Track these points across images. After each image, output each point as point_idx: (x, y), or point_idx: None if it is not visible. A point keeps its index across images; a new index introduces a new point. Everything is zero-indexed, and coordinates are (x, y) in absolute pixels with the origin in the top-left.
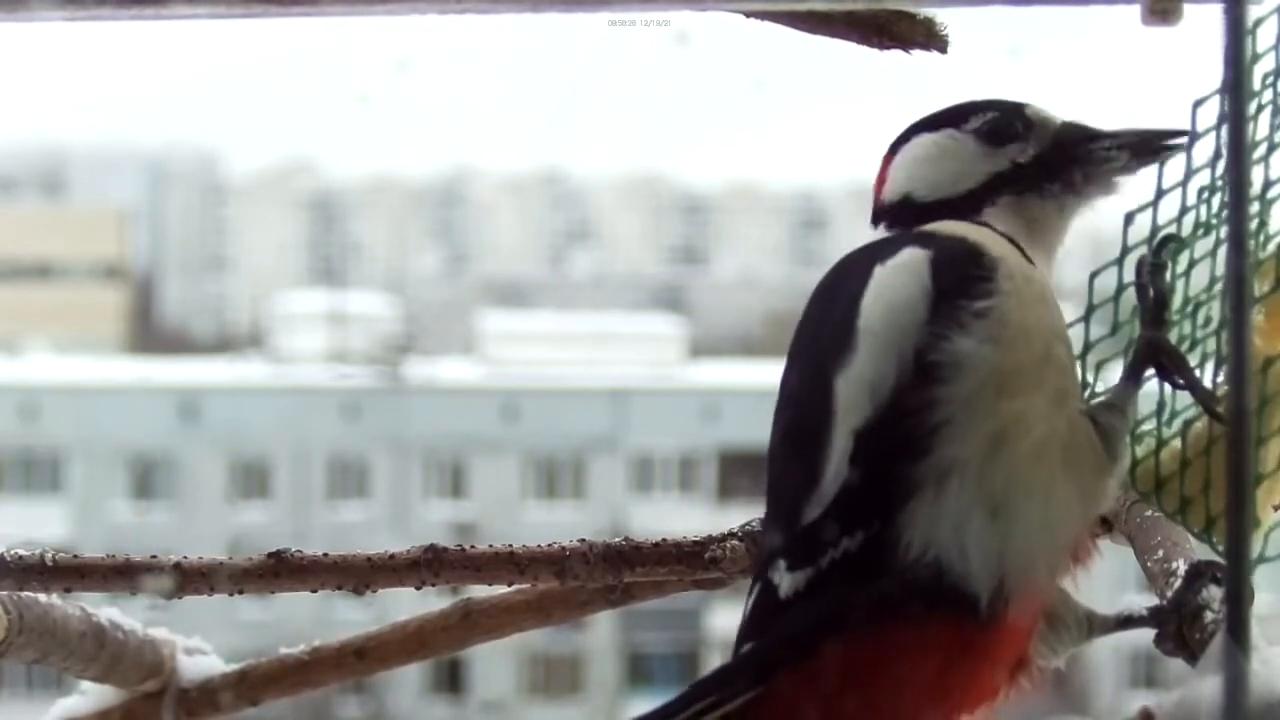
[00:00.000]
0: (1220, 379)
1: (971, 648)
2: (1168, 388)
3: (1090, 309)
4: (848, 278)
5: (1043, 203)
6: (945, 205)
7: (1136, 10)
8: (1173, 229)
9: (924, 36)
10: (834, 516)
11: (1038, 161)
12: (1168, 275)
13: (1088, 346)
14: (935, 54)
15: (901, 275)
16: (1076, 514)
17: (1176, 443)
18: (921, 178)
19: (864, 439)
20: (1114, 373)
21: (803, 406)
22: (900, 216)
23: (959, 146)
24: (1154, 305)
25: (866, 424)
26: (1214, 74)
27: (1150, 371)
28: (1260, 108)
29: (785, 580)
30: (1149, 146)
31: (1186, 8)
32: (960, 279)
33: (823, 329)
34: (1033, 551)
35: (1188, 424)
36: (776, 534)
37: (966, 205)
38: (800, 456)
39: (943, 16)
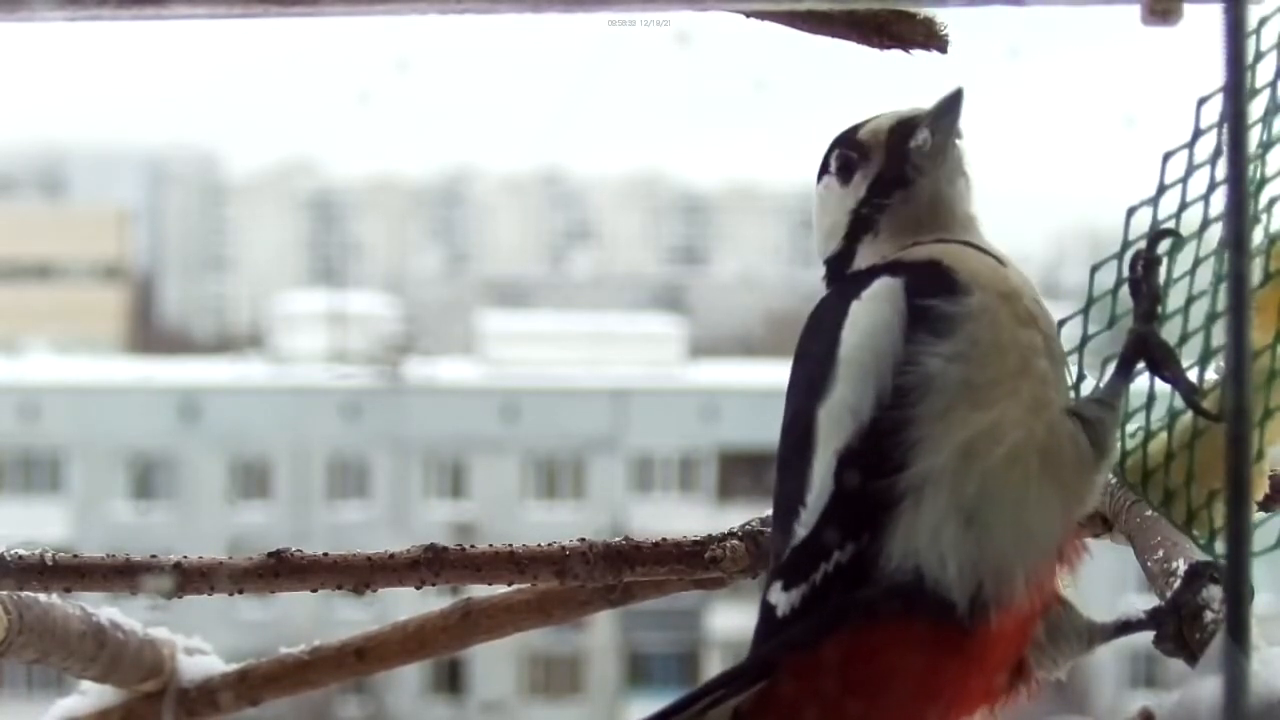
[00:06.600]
0: (1211, 374)
1: (958, 651)
2: (1158, 382)
3: (1089, 303)
4: (828, 313)
5: (907, 206)
6: (842, 255)
7: (1136, 10)
8: (1172, 224)
9: (924, 36)
10: (821, 533)
11: (879, 180)
12: (1161, 271)
13: (1085, 340)
14: (935, 54)
15: (876, 303)
16: (1057, 516)
17: (1165, 435)
18: (820, 240)
19: (846, 459)
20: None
21: (790, 438)
22: (832, 273)
23: (828, 194)
24: (1146, 300)
25: (848, 445)
26: (1215, 74)
27: (1141, 366)
28: (1268, 109)
29: (781, 600)
30: (939, 115)
31: (1186, 8)
32: (931, 301)
33: (807, 363)
34: (1008, 558)
35: (1174, 417)
36: (774, 559)
37: (850, 248)
38: (790, 486)
39: (943, 16)
